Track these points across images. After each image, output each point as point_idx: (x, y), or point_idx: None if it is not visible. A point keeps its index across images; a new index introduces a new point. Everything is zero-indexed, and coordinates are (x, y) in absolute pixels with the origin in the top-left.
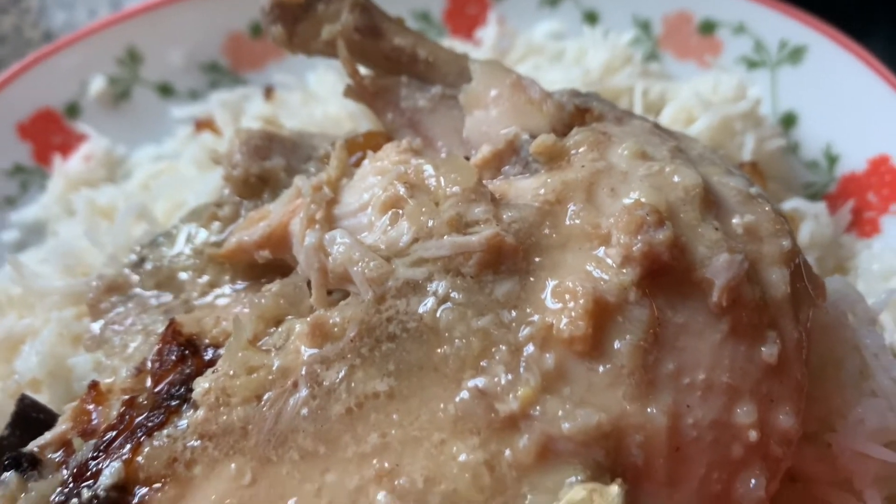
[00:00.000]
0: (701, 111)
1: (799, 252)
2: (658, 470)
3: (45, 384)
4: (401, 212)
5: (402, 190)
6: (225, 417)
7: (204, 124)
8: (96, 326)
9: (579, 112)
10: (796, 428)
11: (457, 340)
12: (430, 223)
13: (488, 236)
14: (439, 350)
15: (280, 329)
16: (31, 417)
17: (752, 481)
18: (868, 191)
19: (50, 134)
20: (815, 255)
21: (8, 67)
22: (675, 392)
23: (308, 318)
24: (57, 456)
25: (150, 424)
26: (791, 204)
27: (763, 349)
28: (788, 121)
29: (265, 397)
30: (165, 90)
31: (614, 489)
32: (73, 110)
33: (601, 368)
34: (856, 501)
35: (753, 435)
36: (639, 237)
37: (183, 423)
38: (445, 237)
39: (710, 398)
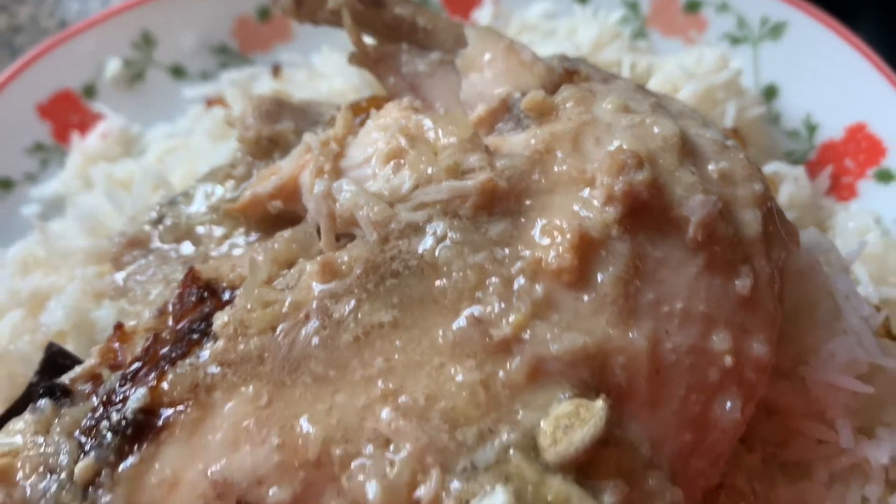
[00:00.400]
0: (685, 81)
1: (771, 197)
2: (640, 390)
3: (69, 336)
4: (402, 161)
5: (403, 142)
6: (242, 347)
7: (215, 102)
8: (119, 277)
9: (567, 74)
10: (769, 356)
11: (454, 274)
12: (430, 170)
13: (482, 181)
14: (438, 284)
15: (292, 271)
16: (59, 364)
17: (729, 404)
18: (845, 157)
19: (68, 114)
20: (794, 215)
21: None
22: (654, 319)
23: (318, 258)
24: (86, 387)
25: (173, 355)
26: (771, 167)
27: (737, 282)
28: (770, 93)
29: (279, 328)
30: (178, 72)
31: (599, 403)
32: (90, 91)
33: (586, 297)
34: (828, 430)
35: (728, 360)
36: (620, 178)
37: (204, 353)
38: (443, 182)
39: (688, 325)
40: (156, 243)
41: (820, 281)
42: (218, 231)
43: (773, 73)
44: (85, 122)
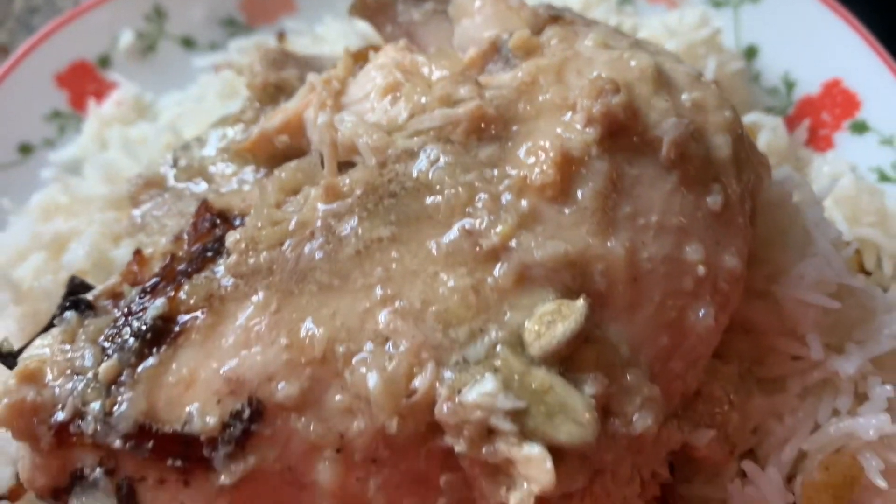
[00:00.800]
0: (667, 39)
1: (741, 126)
2: (619, 296)
3: (90, 274)
4: (398, 94)
5: (399, 76)
6: (253, 261)
7: (222, 67)
8: (137, 213)
9: (552, 18)
10: (740, 268)
11: (446, 192)
12: (424, 100)
13: (472, 108)
14: (432, 201)
15: (298, 197)
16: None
17: (702, 311)
18: (822, 111)
19: (85, 83)
20: (772, 162)
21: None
22: (631, 231)
23: (322, 182)
24: (108, 304)
25: (189, 270)
26: (750, 118)
27: (708, 199)
28: (750, 53)
29: (287, 244)
30: (188, 43)
31: (580, 302)
32: (105, 61)
33: (567, 210)
34: (799, 346)
35: (701, 270)
36: (598, 101)
37: (218, 268)
38: (436, 111)
39: (663, 237)
40: (171, 183)
41: (791, 210)
42: (229, 169)
43: (753, 33)
44: (100, 91)
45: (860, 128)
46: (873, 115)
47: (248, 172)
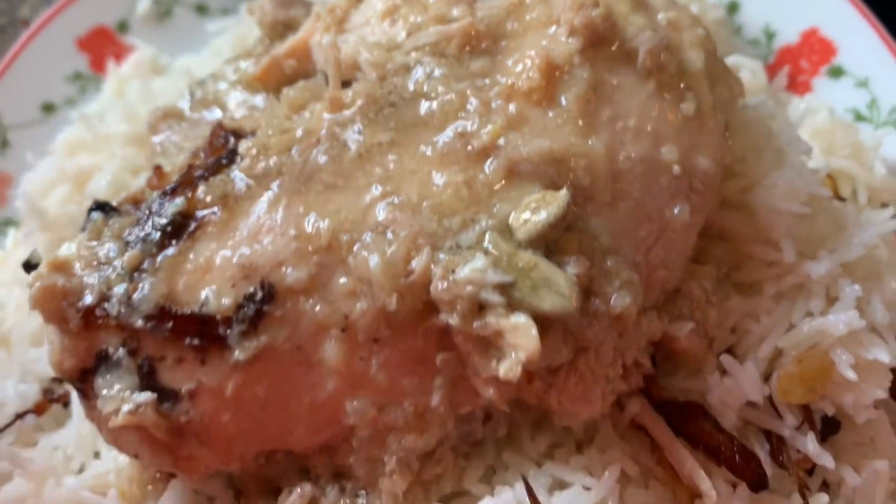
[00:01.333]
0: None
1: (714, 45)
2: (600, 192)
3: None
4: (397, 17)
5: (398, 0)
6: (263, 164)
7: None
8: (156, 140)
9: None
10: (713, 170)
11: (441, 99)
12: (420, 20)
13: (464, 24)
14: (428, 109)
15: (304, 113)
16: None
17: (678, 208)
18: (801, 58)
19: (104, 46)
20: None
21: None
22: (611, 132)
23: (327, 95)
24: (130, 208)
25: (205, 174)
26: (730, 60)
27: (682, 105)
28: (732, 8)
29: (295, 149)
30: (201, 9)
31: (563, 191)
32: (123, 26)
33: (552, 113)
34: (774, 252)
35: (677, 169)
36: (579, 13)
37: (232, 172)
38: (431, 28)
39: (640, 139)
40: (187, 114)
41: (766, 129)
42: (242, 97)
43: None
44: (119, 54)
45: (836, 72)
46: (849, 60)
47: (260, 100)
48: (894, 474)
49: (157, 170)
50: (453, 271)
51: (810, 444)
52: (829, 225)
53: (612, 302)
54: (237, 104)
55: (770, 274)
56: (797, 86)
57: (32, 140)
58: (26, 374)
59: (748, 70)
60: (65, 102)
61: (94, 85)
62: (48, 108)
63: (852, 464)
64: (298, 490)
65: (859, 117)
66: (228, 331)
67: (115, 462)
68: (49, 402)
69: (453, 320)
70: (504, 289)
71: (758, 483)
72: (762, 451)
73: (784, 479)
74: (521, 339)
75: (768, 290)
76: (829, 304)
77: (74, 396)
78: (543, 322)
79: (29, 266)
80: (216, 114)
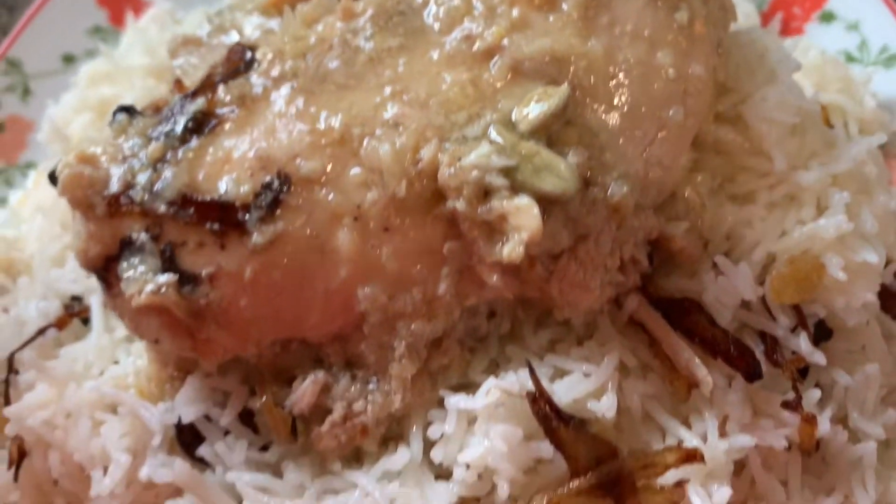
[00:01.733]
0: None
1: None
2: (599, 91)
3: None
4: None
5: None
6: (279, 68)
7: None
8: (176, 62)
9: None
10: (706, 77)
11: (448, 4)
12: None
13: None
14: (435, 13)
15: (318, 27)
16: None
17: (673, 109)
18: (793, 6)
19: (123, 2)
20: None
21: None
22: (609, 36)
23: (339, 6)
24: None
25: (224, 78)
26: None
27: (676, 15)
28: None
29: (309, 56)
30: None
31: (563, 86)
32: None
33: (552, 17)
34: (766, 162)
35: (672, 73)
36: None
37: (249, 75)
38: None
39: (637, 43)
40: (206, 40)
41: (758, 50)
42: (257, 21)
43: None
44: (137, 8)
45: (828, 17)
46: (839, 5)
47: (275, 24)
48: (885, 381)
49: (178, 82)
50: (460, 158)
51: (803, 343)
52: (819, 142)
53: (609, 191)
54: (253, 28)
55: (763, 184)
56: (790, 31)
57: (53, 89)
58: (48, 291)
59: (742, 13)
60: (85, 53)
61: (113, 38)
62: (68, 59)
63: (844, 369)
64: (312, 376)
65: (850, 58)
66: (247, 216)
67: (133, 365)
68: (70, 317)
69: (460, 205)
70: (508, 172)
71: (752, 374)
72: (757, 350)
73: (778, 377)
74: (523, 220)
75: (761, 199)
76: (820, 213)
77: (95, 309)
78: (545, 205)
79: (54, 177)
80: (234, 37)
